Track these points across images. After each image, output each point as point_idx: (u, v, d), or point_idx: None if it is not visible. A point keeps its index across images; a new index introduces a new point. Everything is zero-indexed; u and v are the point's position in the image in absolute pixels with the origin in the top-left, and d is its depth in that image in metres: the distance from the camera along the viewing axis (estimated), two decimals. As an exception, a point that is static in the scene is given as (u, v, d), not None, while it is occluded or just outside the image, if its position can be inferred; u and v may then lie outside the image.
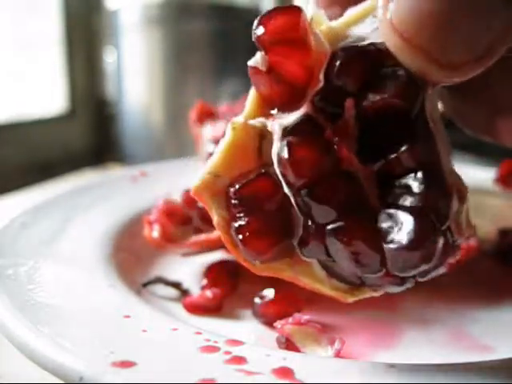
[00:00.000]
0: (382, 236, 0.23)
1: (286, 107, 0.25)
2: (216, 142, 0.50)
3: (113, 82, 1.19)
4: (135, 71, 1.10)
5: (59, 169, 0.99)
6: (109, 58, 1.18)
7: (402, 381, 0.25)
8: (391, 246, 0.23)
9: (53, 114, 1.13)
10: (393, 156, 0.23)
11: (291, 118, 0.25)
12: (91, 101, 1.22)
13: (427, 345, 0.35)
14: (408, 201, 0.23)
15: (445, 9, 0.21)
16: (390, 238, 0.23)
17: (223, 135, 0.26)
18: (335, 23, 0.25)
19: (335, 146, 0.24)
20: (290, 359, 0.27)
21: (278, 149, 0.24)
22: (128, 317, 0.31)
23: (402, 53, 0.22)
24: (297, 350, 0.31)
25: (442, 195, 0.23)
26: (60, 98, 1.15)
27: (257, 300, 0.37)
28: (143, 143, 1.13)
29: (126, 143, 1.15)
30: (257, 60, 0.25)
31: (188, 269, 0.45)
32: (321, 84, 0.24)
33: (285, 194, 0.25)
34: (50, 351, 0.26)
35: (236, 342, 0.29)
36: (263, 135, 0.26)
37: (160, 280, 0.41)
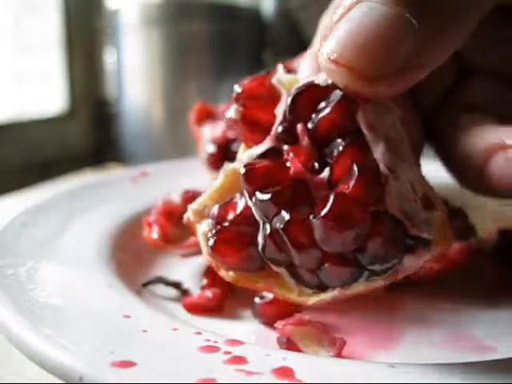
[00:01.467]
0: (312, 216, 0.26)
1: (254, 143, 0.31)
2: (215, 142, 0.50)
3: (113, 82, 1.19)
4: (135, 71, 1.10)
5: (59, 169, 0.99)
6: (109, 57, 1.18)
7: (402, 381, 0.25)
8: (314, 219, 0.26)
9: (52, 113, 1.13)
10: (333, 160, 0.27)
11: (258, 150, 0.30)
12: (91, 101, 1.22)
13: (427, 345, 0.35)
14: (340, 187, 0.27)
15: (362, 33, 0.25)
16: (314, 214, 0.26)
17: (216, 178, 0.32)
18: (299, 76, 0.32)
19: (285, 162, 0.29)
20: (290, 359, 0.27)
21: (241, 171, 0.29)
22: (128, 317, 0.31)
23: (333, 73, 0.26)
24: (298, 350, 0.31)
25: (376, 183, 0.26)
26: (60, 97, 1.15)
27: (257, 300, 0.37)
28: (143, 143, 1.14)
29: (126, 143, 1.16)
30: (231, 113, 0.31)
31: (188, 269, 0.45)
32: (279, 120, 0.29)
33: (250, 209, 0.29)
34: (50, 351, 0.26)
35: (236, 342, 0.29)
36: None
37: (160, 280, 0.41)
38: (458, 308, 0.39)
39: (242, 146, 0.32)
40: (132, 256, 0.44)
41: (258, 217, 0.29)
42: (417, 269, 0.27)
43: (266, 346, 0.29)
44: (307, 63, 0.37)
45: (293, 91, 0.29)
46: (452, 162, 0.32)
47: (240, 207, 0.30)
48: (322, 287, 0.28)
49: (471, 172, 0.29)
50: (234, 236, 0.29)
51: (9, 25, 1.05)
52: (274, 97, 0.30)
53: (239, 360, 0.27)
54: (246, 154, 0.31)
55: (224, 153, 0.50)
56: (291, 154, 0.29)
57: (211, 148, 0.50)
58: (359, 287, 0.28)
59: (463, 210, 0.45)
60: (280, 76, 0.31)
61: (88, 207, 0.50)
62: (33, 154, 1.04)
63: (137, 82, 1.11)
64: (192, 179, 0.45)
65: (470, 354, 0.34)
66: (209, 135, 0.52)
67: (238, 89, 0.31)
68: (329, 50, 0.26)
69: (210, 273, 0.42)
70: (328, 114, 0.28)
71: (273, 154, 0.29)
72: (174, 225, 0.43)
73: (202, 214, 0.31)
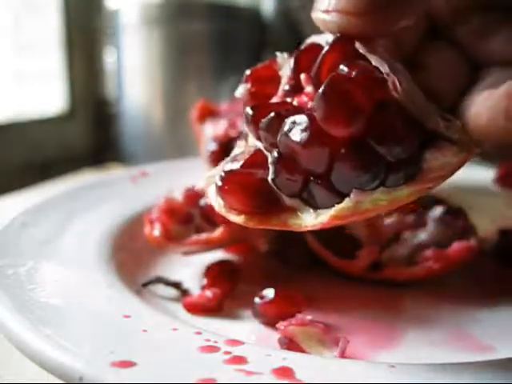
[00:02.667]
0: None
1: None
2: (217, 140, 0.50)
3: (113, 82, 1.19)
4: (135, 71, 1.10)
5: (59, 169, 0.99)
6: (109, 57, 1.18)
7: (402, 381, 0.25)
8: (315, 101, 0.26)
9: (52, 113, 1.13)
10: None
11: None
12: (91, 101, 1.22)
13: (427, 345, 0.35)
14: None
15: None
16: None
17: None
18: None
19: (289, 100, 0.30)
20: (290, 359, 0.27)
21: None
22: (128, 317, 0.31)
23: (327, 22, 0.29)
24: (300, 350, 0.31)
25: (379, 76, 0.26)
26: (60, 97, 1.15)
27: (257, 300, 0.37)
28: (143, 143, 1.13)
29: (126, 143, 1.15)
30: (240, 91, 0.33)
31: (188, 269, 0.45)
32: (284, 80, 0.31)
33: (261, 151, 0.29)
34: (50, 351, 0.26)
35: (236, 342, 0.29)
36: None
37: (160, 280, 0.41)
38: (458, 308, 0.39)
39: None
40: (132, 256, 0.44)
41: (265, 149, 0.29)
42: (444, 168, 0.25)
43: (266, 346, 0.29)
44: None
45: (295, 52, 0.31)
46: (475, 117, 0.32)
47: (248, 152, 0.30)
48: (339, 201, 0.26)
49: (496, 120, 0.29)
50: (244, 176, 0.29)
51: (9, 25, 1.05)
52: (279, 77, 0.32)
53: (239, 360, 0.27)
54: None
55: (226, 150, 0.49)
56: (296, 99, 0.30)
57: (213, 146, 0.50)
58: (380, 196, 0.25)
59: (463, 210, 0.45)
60: (283, 55, 0.32)
61: (88, 207, 0.50)
62: (33, 153, 1.04)
63: (137, 82, 1.11)
64: (192, 179, 0.45)
65: (470, 353, 0.34)
66: (210, 133, 0.52)
67: (247, 72, 0.33)
68: (321, 6, 0.29)
69: (209, 273, 0.42)
70: (326, 55, 0.28)
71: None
72: (176, 222, 0.43)
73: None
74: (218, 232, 0.41)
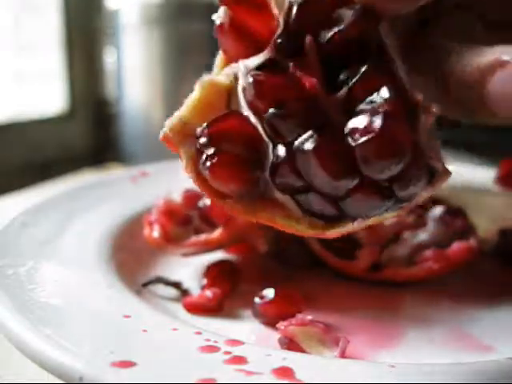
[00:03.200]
0: (350, 138, 0.23)
1: (242, 53, 0.26)
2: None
3: (113, 82, 1.19)
4: (135, 71, 1.10)
5: (59, 169, 0.99)
6: (109, 57, 1.18)
7: (402, 381, 0.25)
8: (361, 139, 0.23)
9: (52, 113, 1.13)
10: (355, 80, 0.24)
11: (255, 61, 0.26)
12: (91, 101, 1.22)
13: (427, 345, 0.35)
14: (373, 109, 0.23)
15: None
16: (357, 136, 0.23)
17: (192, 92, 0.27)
18: None
19: (297, 76, 0.25)
20: (290, 359, 0.27)
21: (243, 82, 0.25)
22: (128, 317, 0.31)
23: None
24: (300, 350, 0.31)
25: (409, 104, 0.24)
26: (60, 97, 1.15)
27: (257, 300, 0.37)
28: (143, 143, 1.13)
29: (126, 143, 1.16)
30: (219, 14, 0.26)
31: (188, 269, 0.45)
32: (281, 28, 0.25)
33: (253, 127, 0.25)
34: (50, 351, 0.26)
35: (236, 342, 0.29)
36: (231, 92, 0.27)
37: (160, 280, 0.41)
38: (458, 308, 0.39)
39: (220, 58, 0.28)
40: (132, 256, 0.44)
41: (266, 137, 0.25)
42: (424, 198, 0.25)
43: (266, 346, 0.29)
44: None
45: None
46: (447, 89, 0.31)
47: (239, 125, 0.26)
48: (336, 218, 0.25)
49: (469, 95, 0.28)
50: (234, 158, 0.25)
51: (9, 25, 1.05)
52: (265, 3, 0.26)
53: (239, 360, 0.27)
54: (238, 65, 0.26)
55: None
56: (298, 69, 0.25)
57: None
58: (378, 218, 0.25)
59: (463, 210, 0.45)
60: None
61: (88, 207, 0.49)
62: (33, 153, 1.04)
63: (137, 82, 1.11)
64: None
65: (470, 353, 0.34)
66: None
67: None
68: None
69: (209, 273, 0.42)
70: (344, 29, 0.24)
71: (273, 67, 0.25)
72: (175, 224, 0.43)
73: (183, 132, 0.26)
74: (217, 233, 0.41)
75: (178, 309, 0.39)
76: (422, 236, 0.43)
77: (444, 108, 0.29)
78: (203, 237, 0.41)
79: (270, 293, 0.37)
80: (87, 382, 0.24)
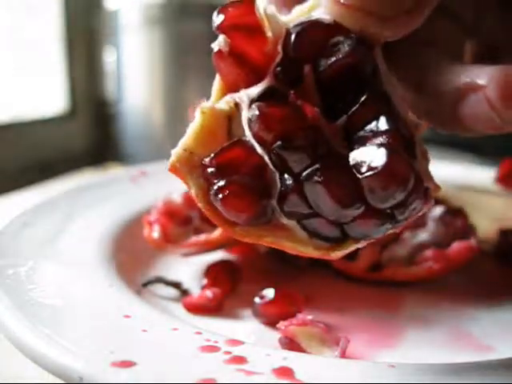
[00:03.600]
0: (356, 170, 0.25)
1: (249, 87, 0.27)
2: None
3: (113, 82, 1.19)
4: (135, 71, 1.10)
5: (59, 169, 0.99)
6: (109, 57, 1.18)
7: (402, 381, 0.25)
8: (368, 173, 0.24)
9: (53, 113, 1.13)
10: (354, 109, 0.26)
11: (256, 90, 0.27)
12: (91, 101, 1.22)
13: (427, 345, 0.35)
14: (375, 140, 0.25)
15: None
16: (364, 169, 0.24)
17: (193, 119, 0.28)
18: (285, 17, 0.27)
19: (300, 106, 0.26)
20: (290, 359, 0.27)
21: (248, 113, 0.26)
22: (128, 317, 0.31)
23: (346, 17, 0.26)
24: (301, 350, 0.31)
25: (407, 132, 0.25)
26: (60, 97, 1.15)
27: (257, 300, 0.37)
28: (143, 143, 1.13)
29: (126, 143, 1.16)
30: (220, 42, 0.27)
31: (188, 269, 0.45)
32: (280, 56, 0.26)
33: (259, 156, 0.26)
34: (50, 351, 0.26)
35: (236, 342, 0.29)
36: (231, 118, 0.27)
37: (160, 280, 0.41)
38: (458, 308, 0.39)
39: (217, 83, 0.28)
40: (132, 256, 0.44)
41: (273, 166, 0.26)
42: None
43: (266, 346, 0.29)
44: None
45: (295, 27, 0.26)
46: (423, 100, 0.31)
47: (241, 154, 0.26)
48: (340, 240, 0.26)
49: (443, 112, 0.29)
50: (244, 188, 0.26)
51: (9, 24, 1.05)
52: (261, 29, 0.27)
53: (239, 360, 0.27)
54: (239, 94, 0.27)
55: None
56: (298, 98, 0.26)
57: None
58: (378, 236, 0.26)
59: (463, 210, 0.45)
60: (266, 7, 0.27)
61: (88, 207, 0.50)
62: (33, 154, 1.04)
63: (137, 82, 1.11)
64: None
65: (470, 353, 0.34)
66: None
67: (219, 16, 0.27)
68: None
69: (210, 273, 0.42)
70: (341, 58, 0.25)
71: (274, 95, 0.26)
72: (175, 224, 0.43)
73: (190, 162, 0.27)
74: (217, 233, 0.41)
75: (178, 309, 0.39)
76: (422, 236, 0.43)
77: (419, 115, 0.29)
78: (203, 237, 0.41)
79: (269, 293, 0.37)
80: (87, 382, 0.24)
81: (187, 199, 0.44)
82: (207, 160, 0.27)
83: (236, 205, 0.26)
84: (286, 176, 0.26)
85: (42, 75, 1.13)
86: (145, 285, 0.40)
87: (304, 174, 0.25)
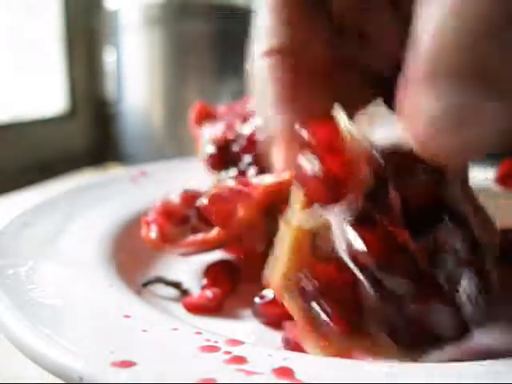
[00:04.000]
0: (455, 298, 0.27)
1: (330, 202, 0.29)
2: (215, 143, 0.50)
3: (113, 82, 1.19)
4: (135, 71, 1.10)
5: (59, 169, 0.99)
6: (109, 57, 1.18)
7: (402, 381, 0.25)
8: (469, 308, 0.28)
9: (53, 113, 1.13)
10: (437, 233, 0.28)
11: (347, 211, 0.28)
12: (91, 101, 1.22)
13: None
14: (458, 264, 0.28)
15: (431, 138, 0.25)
16: (460, 295, 0.28)
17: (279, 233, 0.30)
18: (366, 137, 0.28)
19: (391, 230, 0.28)
20: (290, 359, 0.27)
21: (347, 238, 0.28)
22: (128, 317, 0.31)
23: (424, 155, 0.26)
24: (302, 350, 0.31)
25: (481, 257, 0.30)
26: (60, 97, 1.15)
27: (257, 300, 0.37)
28: (143, 143, 1.14)
29: (126, 143, 1.16)
30: (312, 163, 0.28)
31: (188, 269, 0.45)
32: (370, 181, 0.28)
33: (351, 273, 0.28)
34: (50, 351, 0.26)
35: (236, 342, 0.29)
36: (316, 233, 0.29)
37: (160, 280, 0.41)
38: (458, 308, 0.39)
39: (298, 197, 0.30)
40: (132, 256, 0.44)
41: (366, 283, 0.27)
42: None
43: (266, 346, 0.29)
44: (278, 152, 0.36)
45: (382, 151, 0.27)
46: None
47: (338, 271, 0.28)
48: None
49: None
50: (344, 307, 0.28)
51: (9, 25, 1.05)
52: (344, 149, 0.28)
53: (239, 360, 0.27)
54: (327, 212, 0.28)
55: (224, 154, 0.49)
56: (387, 221, 0.28)
57: (211, 149, 0.50)
58: None
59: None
60: (350, 127, 0.28)
61: (88, 207, 0.50)
62: (33, 154, 1.04)
63: (137, 82, 1.11)
64: (193, 179, 0.45)
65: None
66: (208, 136, 0.52)
67: (309, 136, 0.29)
68: (419, 134, 0.25)
69: (210, 273, 0.42)
70: (421, 187, 0.28)
71: (367, 218, 0.28)
72: (173, 224, 0.43)
73: (289, 287, 0.29)
74: (215, 232, 0.41)
75: (178, 309, 0.39)
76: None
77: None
78: (200, 236, 0.41)
79: (270, 293, 0.37)
80: (87, 382, 0.24)
81: (185, 199, 0.44)
82: (306, 283, 0.28)
83: (342, 327, 0.28)
84: (379, 294, 0.27)
85: (42, 75, 1.13)
86: (145, 285, 0.40)
87: (399, 294, 0.27)
